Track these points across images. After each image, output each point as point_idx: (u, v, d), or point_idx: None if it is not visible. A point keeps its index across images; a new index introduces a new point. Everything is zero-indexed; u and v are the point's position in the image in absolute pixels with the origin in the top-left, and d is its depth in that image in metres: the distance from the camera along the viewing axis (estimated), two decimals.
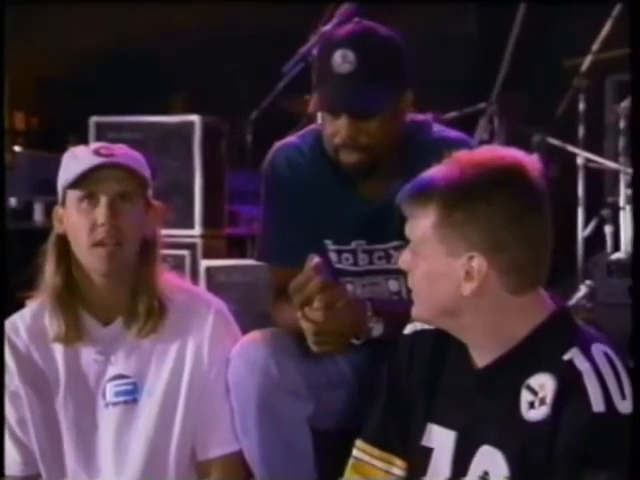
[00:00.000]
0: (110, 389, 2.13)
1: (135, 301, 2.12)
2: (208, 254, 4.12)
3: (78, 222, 2.08)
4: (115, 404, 2.13)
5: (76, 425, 2.13)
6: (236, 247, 4.49)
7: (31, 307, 2.18)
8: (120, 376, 2.13)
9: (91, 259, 2.09)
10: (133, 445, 2.12)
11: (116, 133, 4.04)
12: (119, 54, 5.77)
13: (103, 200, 2.07)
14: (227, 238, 4.40)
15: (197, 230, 4.17)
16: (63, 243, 2.13)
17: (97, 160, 2.07)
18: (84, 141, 4.19)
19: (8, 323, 2.17)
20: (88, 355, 2.14)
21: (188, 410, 2.13)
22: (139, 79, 5.68)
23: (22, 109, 5.51)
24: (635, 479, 1.58)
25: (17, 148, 5.01)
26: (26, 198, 4.60)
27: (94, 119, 4.23)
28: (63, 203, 2.12)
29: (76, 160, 2.11)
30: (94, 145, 2.14)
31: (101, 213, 2.06)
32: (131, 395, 2.13)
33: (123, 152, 2.12)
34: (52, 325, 2.13)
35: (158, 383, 2.13)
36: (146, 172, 2.14)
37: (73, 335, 2.12)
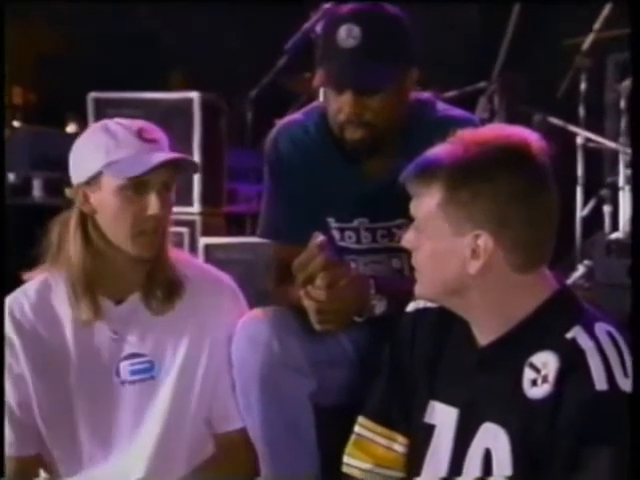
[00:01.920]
0: (125, 367, 2.09)
1: (153, 277, 2.09)
2: (207, 232, 4.10)
3: (120, 209, 2.02)
4: (132, 382, 2.09)
5: (90, 404, 2.09)
6: (235, 225, 4.49)
7: (34, 283, 2.12)
8: (135, 355, 2.09)
9: (134, 246, 2.03)
10: (150, 422, 2.08)
11: (115, 109, 3.98)
12: (118, 30, 5.74)
13: (154, 190, 2.02)
14: (226, 216, 4.39)
15: (196, 208, 4.14)
16: (86, 222, 2.06)
17: (158, 154, 2.00)
18: (83, 117, 4.16)
19: (11, 300, 2.11)
20: (100, 333, 2.09)
21: (205, 387, 2.11)
22: (138, 55, 5.66)
23: (21, 84, 5.49)
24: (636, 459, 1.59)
25: (16, 123, 4.98)
26: (25, 173, 4.56)
27: (92, 95, 4.15)
28: (90, 182, 2.04)
29: (118, 142, 2.02)
30: (131, 124, 2.05)
31: (154, 203, 2.01)
32: (148, 373, 2.09)
33: (164, 138, 2.06)
34: (71, 305, 2.08)
35: (176, 361, 2.10)
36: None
37: (94, 314, 2.06)
